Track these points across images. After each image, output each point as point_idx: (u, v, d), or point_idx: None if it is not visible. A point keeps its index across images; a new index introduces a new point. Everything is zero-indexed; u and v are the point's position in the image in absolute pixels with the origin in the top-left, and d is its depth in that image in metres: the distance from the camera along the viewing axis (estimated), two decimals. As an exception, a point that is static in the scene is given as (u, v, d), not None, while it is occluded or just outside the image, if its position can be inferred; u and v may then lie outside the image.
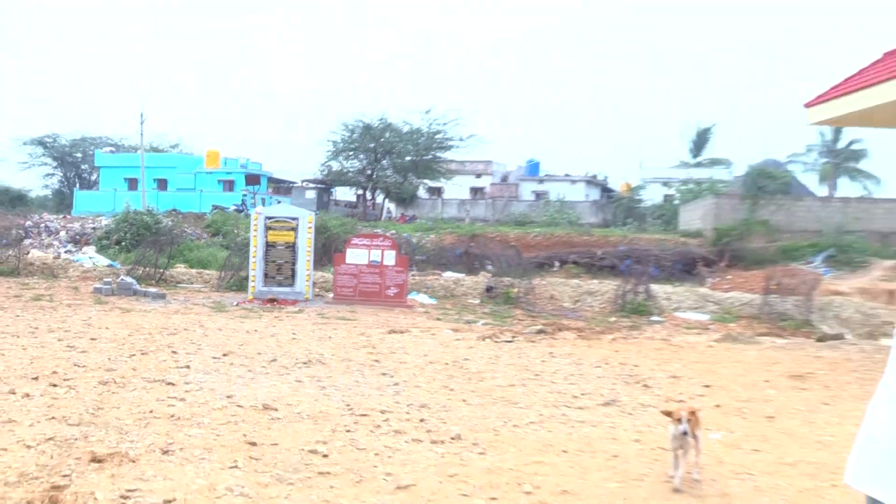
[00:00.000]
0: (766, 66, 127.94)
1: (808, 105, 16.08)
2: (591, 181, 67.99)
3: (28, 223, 32.59)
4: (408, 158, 52.32)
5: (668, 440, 5.91)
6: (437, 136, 52.54)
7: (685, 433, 5.68)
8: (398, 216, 53.02)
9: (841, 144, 55.85)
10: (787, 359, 12.51)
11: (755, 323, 17.80)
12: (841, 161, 56.54)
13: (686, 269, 31.40)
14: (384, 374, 9.85)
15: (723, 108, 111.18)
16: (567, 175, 68.23)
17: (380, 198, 56.09)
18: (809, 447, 7.03)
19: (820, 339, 15.28)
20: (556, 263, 30.72)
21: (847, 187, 55.69)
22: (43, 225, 33.03)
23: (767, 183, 43.63)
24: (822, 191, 54.81)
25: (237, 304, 17.44)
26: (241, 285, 20.08)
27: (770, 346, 14.16)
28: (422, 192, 59.22)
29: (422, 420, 7.44)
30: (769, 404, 8.92)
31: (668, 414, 5.84)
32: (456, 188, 62.64)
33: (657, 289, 20.87)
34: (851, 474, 2.90)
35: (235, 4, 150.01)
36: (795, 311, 18.18)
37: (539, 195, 63.02)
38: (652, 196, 61.38)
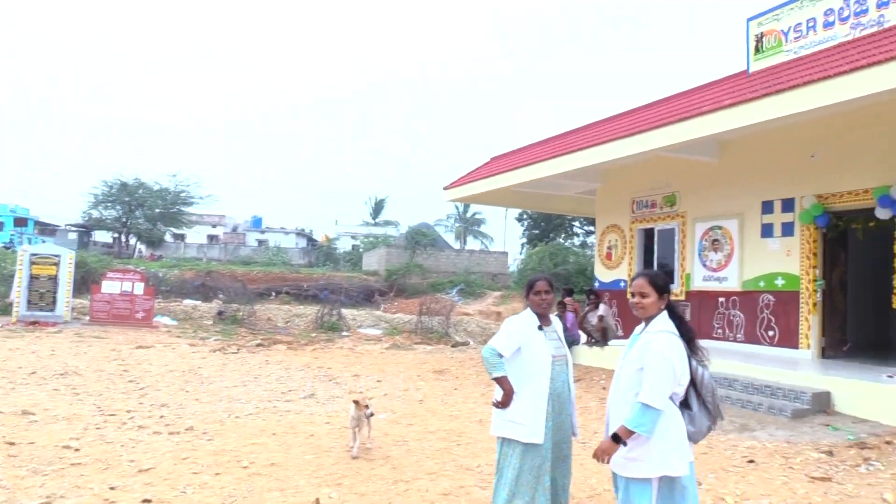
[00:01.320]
0: (423, 155, 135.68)
1: (445, 188, 17.18)
2: (300, 233, 67.49)
3: None
4: (157, 210, 48.80)
5: (348, 421, 5.97)
6: (182, 194, 49.68)
7: (372, 415, 5.81)
8: (148, 255, 48.79)
9: (469, 214, 60.29)
10: (432, 359, 13.16)
11: (413, 335, 18.59)
12: (468, 225, 61.04)
13: (367, 297, 32.18)
14: (131, 381, 8.96)
15: (395, 183, 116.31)
16: (282, 228, 67.28)
17: (133, 240, 51.32)
18: (445, 420, 7.48)
19: (454, 346, 16.29)
20: (273, 293, 29.96)
21: (472, 243, 60.28)
22: None
23: (422, 238, 46.00)
24: (456, 245, 58.73)
25: (1, 327, 14.93)
26: (5, 310, 17.19)
27: (422, 351, 14.82)
28: (168, 237, 54.97)
29: (161, 416, 6.88)
30: (420, 391, 9.37)
31: (357, 402, 5.84)
32: (196, 235, 59.36)
33: (347, 312, 21.13)
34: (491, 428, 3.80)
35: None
36: (439, 327, 19.28)
37: (261, 242, 61.64)
38: (344, 245, 62.20)
